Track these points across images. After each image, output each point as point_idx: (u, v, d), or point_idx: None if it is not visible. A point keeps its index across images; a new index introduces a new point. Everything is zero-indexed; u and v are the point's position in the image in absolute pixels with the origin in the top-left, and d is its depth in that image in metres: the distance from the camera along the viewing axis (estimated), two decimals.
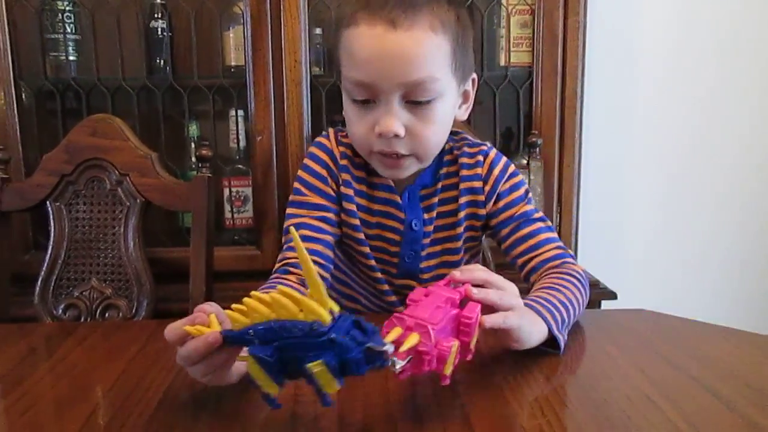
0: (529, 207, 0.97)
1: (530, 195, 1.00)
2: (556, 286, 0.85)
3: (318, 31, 1.58)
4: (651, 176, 1.88)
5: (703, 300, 1.91)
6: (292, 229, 0.56)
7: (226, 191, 1.60)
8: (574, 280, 0.88)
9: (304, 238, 0.92)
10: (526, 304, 0.76)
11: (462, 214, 0.98)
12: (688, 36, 1.81)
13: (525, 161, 1.47)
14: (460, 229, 0.98)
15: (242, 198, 1.60)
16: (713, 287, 1.93)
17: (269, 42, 1.48)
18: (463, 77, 0.91)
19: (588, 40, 1.53)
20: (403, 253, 0.98)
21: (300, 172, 0.98)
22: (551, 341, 0.77)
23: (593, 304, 1.55)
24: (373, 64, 0.83)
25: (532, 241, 0.95)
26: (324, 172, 0.96)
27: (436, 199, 0.97)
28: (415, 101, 0.85)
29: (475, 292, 0.68)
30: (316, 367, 0.52)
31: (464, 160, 0.97)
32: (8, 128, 1.49)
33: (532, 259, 0.94)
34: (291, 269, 0.90)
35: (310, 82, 1.51)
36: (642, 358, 0.79)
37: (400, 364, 0.57)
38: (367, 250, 0.98)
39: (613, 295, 1.54)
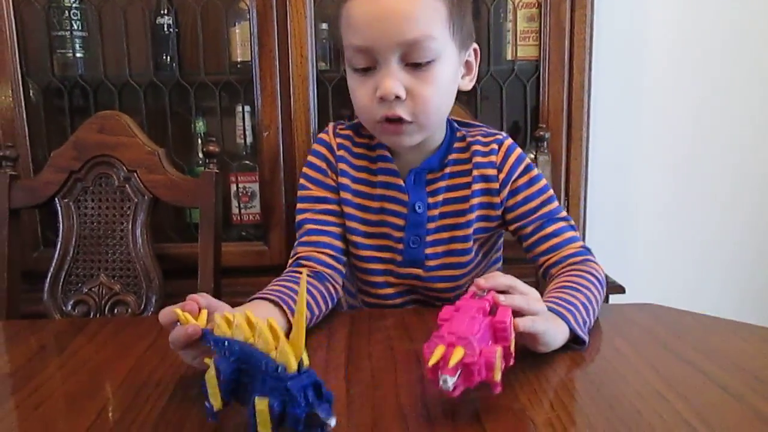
0: (552, 206, 0.97)
1: (551, 191, 0.98)
2: (576, 286, 0.85)
3: (324, 26, 1.58)
4: (659, 169, 1.88)
5: (711, 293, 1.91)
6: (303, 273, 0.54)
7: (233, 187, 1.60)
8: (593, 279, 0.88)
9: (312, 232, 0.96)
10: (548, 308, 0.76)
11: (474, 201, 0.96)
12: (696, 28, 1.80)
13: (532, 155, 1.46)
14: (472, 216, 0.97)
15: (249, 194, 1.61)
16: (721, 280, 1.92)
17: (275, 37, 1.48)
18: (463, 44, 0.91)
19: (595, 33, 1.52)
20: (407, 238, 0.97)
21: (304, 168, 1.01)
22: (573, 339, 0.78)
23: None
24: (371, 27, 0.84)
25: (555, 240, 0.94)
26: (324, 165, 0.99)
27: (443, 184, 0.97)
28: (414, 63, 0.85)
29: (502, 298, 0.68)
30: (260, 404, 0.53)
31: (478, 147, 0.97)
32: (16, 126, 1.50)
33: (553, 256, 0.94)
34: (303, 263, 0.93)
35: (317, 77, 1.51)
36: (651, 352, 0.79)
37: (451, 381, 0.58)
38: (360, 240, 0.98)
39: (621, 289, 1.54)
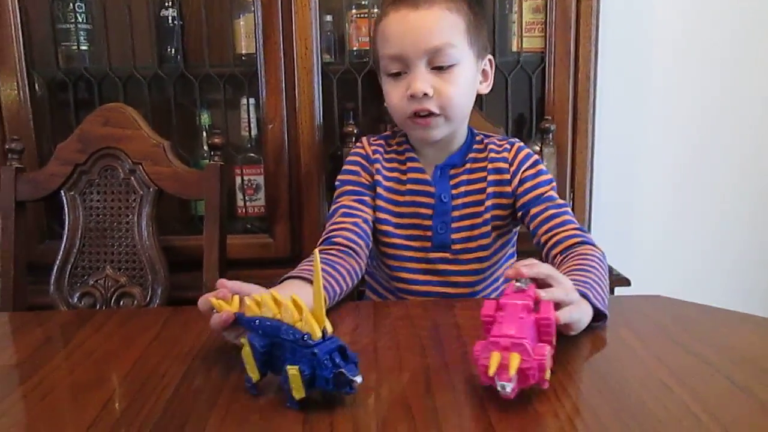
0: (554, 194, 1.08)
1: (554, 184, 1.10)
2: (588, 267, 0.90)
3: (329, 18, 1.57)
4: (665, 161, 1.87)
5: (717, 286, 1.90)
6: (315, 253, 0.64)
7: (238, 179, 1.60)
8: (597, 259, 0.94)
9: (344, 214, 1.09)
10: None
11: (489, 191, 1.10)
12: (702, 19, 1.79)
13: (538, 147, 1.46)
14: (488, 203, 1.09)
15: (254, 186, 1.61)
16: (727, 273, 1.92)
17: (280, 30, 1.48)
18: (479, 54, 1.07)
19: (601, 25, 1.51)
20: (435, 225, 1.10)
21: (339, 175, 1.16)
22: (595, 317, 0.82)
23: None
24: (402, 38, 1.01)
25: (557, 220, 1.04)
26: (358, 168, 1.14)
27: (464, 177, 1.11)
28: (439, 66, 1.01)
29: (544, 294, 0.71)
30: (292, 370, 0.61)
31: (493, 146, 1.13)
32: (22, 118, 1.50)
33: (555, 235, 1.03)
34: (333, 239, 1.05)
35: (321, 69, 1.51)
36: (657, 344, 0.79)
37: (509, 387, 0.60)
38: (392, 230, 1.11)
39: (626, 282, 1.53)
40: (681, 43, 1.80)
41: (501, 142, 1.13)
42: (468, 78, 1.05)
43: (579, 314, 0.77)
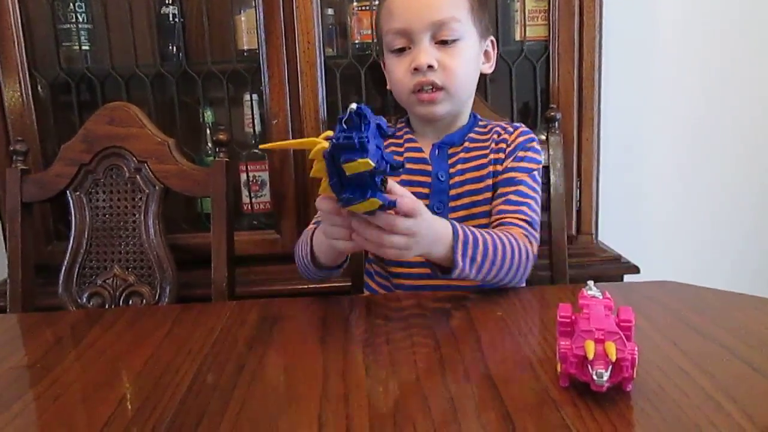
0: (530, 184, 1.08)
1: (539, 176, 1.11)
2: (489, 233, 0.94)
3: (330, 11, 1.56)
4: (672, 148, 1.86)
5: (725, 272, 1.89)
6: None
7: (243, 176, 1.60)
8: (509, 240, 0.96)
9: None
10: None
11: (489, 170, 1.09)
12: (708, 6, 1.78)
13: (544, 136, 1.45)
14: (489, 182, 1.09)
15: (259, 182, 1.60)
16: (735, 259, 1.91)
17: (282, 24, 1.47)
18: (482, 35, 1.09)
19: (605, 12, 1.50)
20: (433, 204, 1.08)
21: None
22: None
23: (615, 278, 1.54)
24: (408, 11, 1.03)
25: (512, 207, 1.05)
26: None
27: (462, 156, 1.11)
28: (443, 41, 1.03)
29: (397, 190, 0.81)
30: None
31: (498, 129, 1.13)
32: (25, 120, 1.50)
33: (501, 219, 1.04)
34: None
35: (324, 63, 1.50)
36: (672, 329, 0.78)
37: (606, 376, 0.59)
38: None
39: (635, 269, 1.53)
40: (686, 29, 1.79)
41: (507, 127, 1.14)
42: (471, 55, 1.07)
43: (425, 230, 0.83)
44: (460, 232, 0.90)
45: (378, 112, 1.62)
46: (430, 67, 1.01)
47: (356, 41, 1.55)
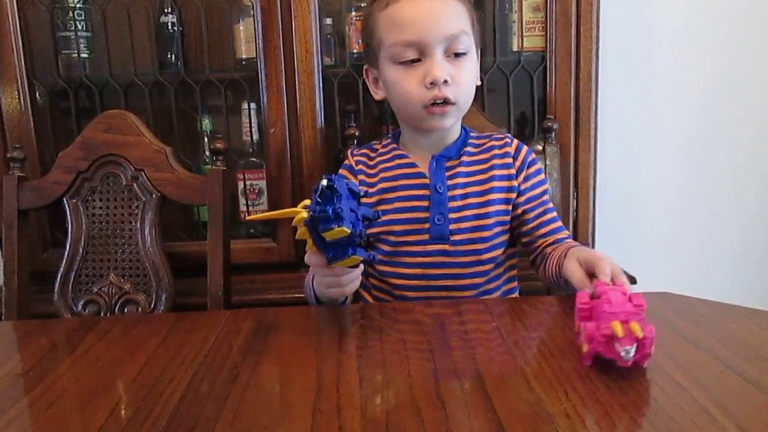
0: (548, 198, 1.14)
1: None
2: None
3: (328, 21, 1.57)
4: (668, 159, 1.86)
5: (722, 283, 1.89)
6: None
7: (240, 184, 1.60)
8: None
9: None
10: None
11: (494, 184, 1.10)
12: (703, 16, 1.78)
13: (541, 147, 1.45)
14: (493, 196, 1.10)
15: (257, 191, 1.60)
16: (732, 270, 1.91)
17: (280, 33, 1.47)
18: (477, 47, 1.10)
19: (602, 22, 1.51)
20: (433, 216, 1.09)
21: None
22: None
23: None
24: (421, 24, 1.01)
25: (554, 225, 1.12)
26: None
27: (462, 169, 1.11)
28: (455, 53, 1.03)
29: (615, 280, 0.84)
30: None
31: (493, 143, 1.14)
32: (23, 127, 1.50)
33: (551, 238, 1.10)
34: None
35: (322, 72, 1.50)
36: (667, 341, 0.78)
37: (632, 351, 0.66)
38: (389, 228, 1.10)
39: (632, 280, 1.52)
40: (682, 40, 1.79)
41: (500, 136, 1.15)
42: (474, 68, 1.08)
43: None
44: None
45: (376, 121, 1.64)
46: (445, 81, 1.01)
47: (354, 50, 1.55)
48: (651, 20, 1.78)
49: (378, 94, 1.15)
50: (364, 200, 1.06)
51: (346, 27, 1.56)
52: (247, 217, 0.95)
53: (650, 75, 1.81)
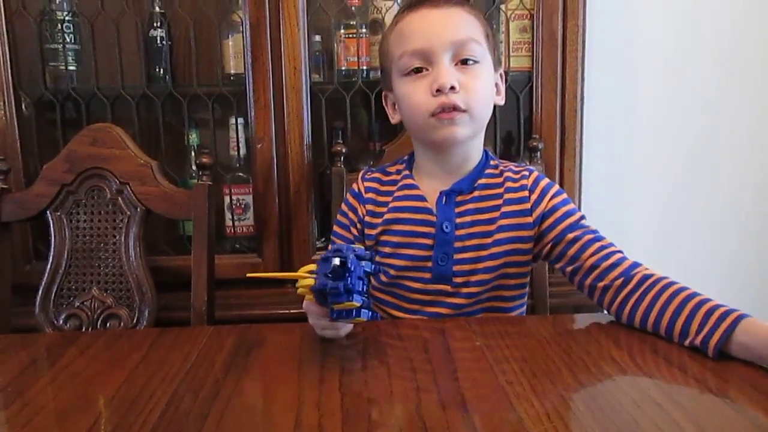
0: (585, 222, 1.05)
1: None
2: (691, 292, 0.96)
3: (317, 38, 1.58)
4: (653, 179, 1.88)
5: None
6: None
7: (227, 199, 1.60)
8: (670, 280, 0.98)
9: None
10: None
11: (502, 222, 1.03)
12: (689, 37, 1.81)
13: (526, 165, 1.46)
14: (499, 236, 1.03)
15: (243, 206, 1.60)
16: (717, 290, 1.91)
17: (269, 49, 1.48)
18: (495, 66, 1.06)
19: (587, 44, 1.53)
20: (436, 257, 1.04)
21: (342, 205, 1.16)
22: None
23: (595, 308, 1.54)
24: (427, 31, 1.00)
25: (605, 252, 1.02)
26: (346, 220, 1.13)
27: (472, 206, 1.05)
28: (463, 60, 0.99)
29: None
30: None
31: (509, 174, 1.07)
32: (8, 138, 1.49)
33: (603, 260, 1.01)
34: None
35: (310, 88, 1.51)
36: (648, 362, 0.79)
37: None
38: (391, 261, 1.06)
39: None
40: (667, 61, 1.82)
41: (518, 169, 1.08)
42: (488, 80, 1.03)
43: None
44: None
45: (364, 138, 1.64)
46: (452, 88, 0.97)
47: (342, 68, 1.56)
48: (637, 42, 1.81)
49: (395, 118, 1.10)
50: (367, 231, 1.09)
51: (335, 44, 1.57)
52: (248, 275, 0.89)
53: (636, 96, 1.84)
